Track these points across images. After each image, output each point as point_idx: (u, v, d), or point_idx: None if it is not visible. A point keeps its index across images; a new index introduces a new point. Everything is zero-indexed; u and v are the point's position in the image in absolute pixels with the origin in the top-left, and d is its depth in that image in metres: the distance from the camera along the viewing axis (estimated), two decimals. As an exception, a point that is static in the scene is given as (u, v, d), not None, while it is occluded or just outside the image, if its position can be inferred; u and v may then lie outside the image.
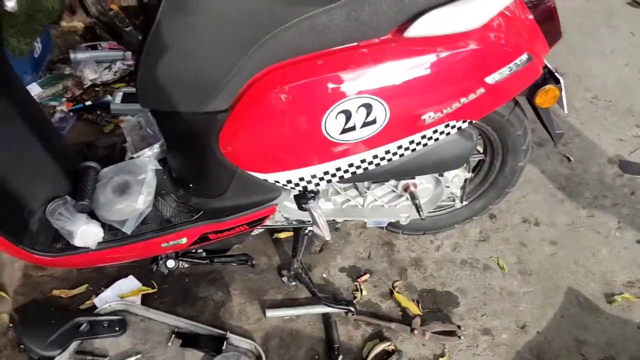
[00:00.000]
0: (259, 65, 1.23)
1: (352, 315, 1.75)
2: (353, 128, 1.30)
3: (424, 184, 1.67)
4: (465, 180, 1.72)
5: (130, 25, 2.64)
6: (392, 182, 1.67)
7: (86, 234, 1.44)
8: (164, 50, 1.21)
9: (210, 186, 1.47)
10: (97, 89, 2.65)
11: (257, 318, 1.75)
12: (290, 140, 1.32)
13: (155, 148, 1.62)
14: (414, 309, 1.78)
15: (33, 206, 1.48)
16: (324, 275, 1.88)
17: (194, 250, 1.67)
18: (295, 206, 1.57)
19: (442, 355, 1.67)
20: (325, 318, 1.74)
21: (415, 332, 1.70)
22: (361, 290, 1.82)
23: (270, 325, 1.73)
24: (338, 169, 1.39)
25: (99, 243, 1.46)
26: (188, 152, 1.46)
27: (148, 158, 1.59)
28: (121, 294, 1.78)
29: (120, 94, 2.49)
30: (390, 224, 1.90)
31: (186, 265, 1.67)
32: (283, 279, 1.83)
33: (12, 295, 1.76)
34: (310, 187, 1.43)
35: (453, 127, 1.41)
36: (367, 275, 1.88)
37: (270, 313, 1.74)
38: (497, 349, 1.71)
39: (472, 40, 1.29)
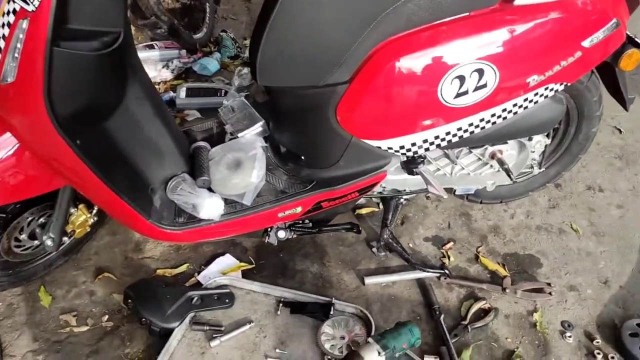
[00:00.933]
0: (379, 37, 1.34)
1: (445, 279, 1.84)
2: (466, 92, 1.41)
3: (509, 151, 1.78)
4: (545, 146, 1.83)
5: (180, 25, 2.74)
6: (478, 150, 1.77)
7: (210, 206, 1.53)
8: (289, 28, 1.31)
9: (323, 157, 1.57)
10: (157, 86, 2.74)
11: (355, 286, 1.84)
12: (407, 106, 1.42)
13: (257, 128, 1.72)
14: (501, 270, 1.88)
15: (155, 184, 1.56)
16: (410, 245, 1.97)
17: (300, 222, 1.76)
18: (395, 176, 1.68)
19: (535, 311, 1.77)
20: (420, 282, 1.84)
21: (507, 291, 1.80)
22: (448, 257, 1.92)
23: (369, 291, 1.82)
24: (447, 133, 1.50)
25: (221, 215, 1.55)
26: (302, 125, 1.55)
27: (253, 136, 1.69)
28: (222, 270, 1.87)
29: (184, 89, 2.57)
30: (469, 194, 2.00)
31: (294, 236, 1.75)
32: (373, 249, 1.92)
33: (119, 276, 1.84)
34: (421, 151, 1.53)
35: (552, 89, 1.52)
36: (451, 243, 1.97)
37: (369, 280, 1.83)
38: (585, 302, 1.81)
39: (571, 6, 1.41)
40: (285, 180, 1.63)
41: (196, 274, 1.86)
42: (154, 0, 2.67)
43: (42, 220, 1.64)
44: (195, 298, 1.73)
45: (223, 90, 2.43)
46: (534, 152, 1.80)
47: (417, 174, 1.57)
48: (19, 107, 1.22)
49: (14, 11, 1.11)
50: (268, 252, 1.93)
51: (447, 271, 1.84)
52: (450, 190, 1.90)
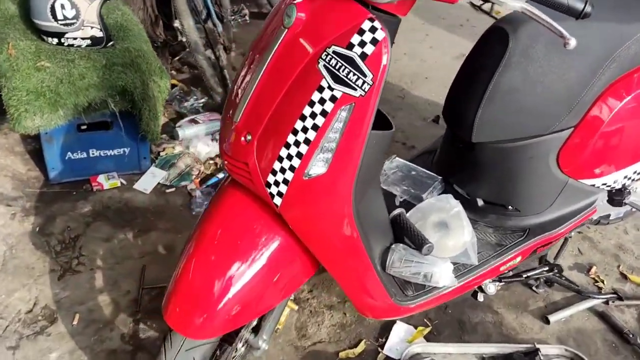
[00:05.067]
0: (606, 80, 1.40)
1: (613, 302, 1.88)
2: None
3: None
4: None
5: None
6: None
7: (446, 272, 1.45)
8: (513, 88, 1.34)
9: (536, 203, 1.56)
10: (211, 161, 2.56)
11: (539, 327, 1.81)
12: (628, 141, 1.48)
13: (438, 187, 1.69)
14: (653, 284, 1.97)
15: (375, 263, 1.45)
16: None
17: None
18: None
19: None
20: (593, 311, 1.86)
21: (672, 302, 1.89)
22: (602, 281, 1.97)
23: (554, 329, 1.80)
24: None
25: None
26: (515, 175, 1.54)
27: (441, 196, 1.64)
28: (407, 339, 1.75)
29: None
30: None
31: (500, 287, 1.70)
32: (533, 288, 1.92)
33: (301, 369, 1.65)
34: (628, 182, 1.59)
35: None
36: (595, 267, 2.03)
37: (553, 318, 1.81)
38: None
39: None
40: (491, 232, 1.59)
41: (379, 348, 1.72)
42: (210, 72, 2.54)
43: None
44: (406, 373, 1.60)
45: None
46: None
47: (624, 204, 1.61)
48: (322, 198, 1.10)
49: (333, 98, 1.01)
50: (435, 312, 1.85)
51: (617, 294, 1.88)
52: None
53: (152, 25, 2.84)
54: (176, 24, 2.56)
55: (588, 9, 1.03)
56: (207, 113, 2.74)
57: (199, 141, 2.55)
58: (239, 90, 1.14)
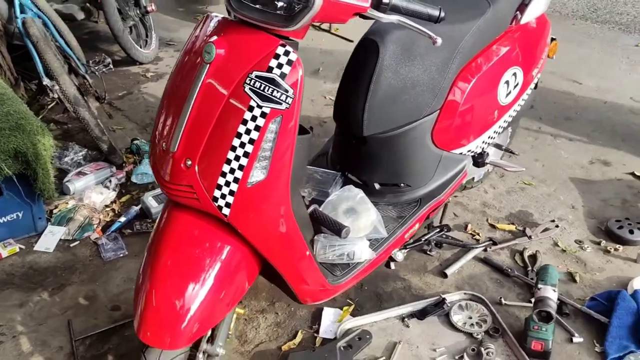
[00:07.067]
0: (456, 69, 1.77)
1: (490, 248, 2.27)
2: (510, 92, 1.91)
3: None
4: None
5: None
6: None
7: (363, 248, 1.69)
8: (389, 86, 1.66)
9: (422, 177, 1.87)
10: (108, 208, 2.59)
11: (440, 281, 2.13)
12: (481, 113, 1.86)
13: (339, 180, 1.94)
14: (514, 228, 2.39)
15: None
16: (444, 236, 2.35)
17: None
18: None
19: (556, 242, 2.32)
20: (478, 257, 2.23)
21: (532, 237, 2.32)
22: (478, 234, 2.36)
23: (452, 280, 2.13)
24: (500, 126, 1.97)
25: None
26: (402, 157, 1.83)
27: (346, 187, 1.88)
28: (336, 319, 1.96)
29: (151, 198, 2.53)
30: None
31: (405, 253, 1.97)
32: (428, 252, 2.24)
33: (252, 369, 1.79)
34: (485, 147, 1.97)
35: (537, 78, 2.13)
36: (470, 225, 2.42)
37: (449, 271, 2.14)
38: (574, 224, 2.43)
39: (540, 18, 2.05)
40: (391, 209, 1.88)
41: (315, 334, 1.92)
42: (94, 122, 2.56)
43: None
44: (344, 346, 1.81)
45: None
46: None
47: (486, 164, 1.98)
48: (264, 201, 1.28)
49: (263, 114, 1.20)
50: (354, 292, 2.08)
51: (492, 240, 2.27)
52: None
53: (13, 88, 2.79)
54: (46, 82, 2.56)
55: (442, 14, 1.35)
56: (92, 163, 2.75)
57: (91, 192, 2.56)
58: (167, 125, 1.28)
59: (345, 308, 2.00)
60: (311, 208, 1.76)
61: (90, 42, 4.34)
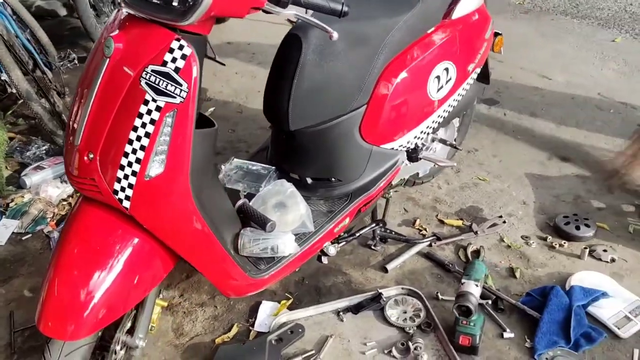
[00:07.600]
0: (382, 63, 1.78)
1: (435, 243, 2.29)
2: (442, 87, 1.92)
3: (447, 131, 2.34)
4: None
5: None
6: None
7: (288, 242, 1.70)
8: (314, 77, 1.67)
9: (353, 171, 1.88)
10: (64, 202, 2.62)
11: (381, 276, 2.14)
12: (410, 108, 1.87)
13: (272, 174, 1.95)
14: (461, 223, 2.41)
15: (228, 248, 1.67)
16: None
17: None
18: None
19: (502, 238, 2.33)
20: (421, 253, 2.25)
21: (478, 233, 2.33)
22: (425, 229, 2.38)
23: (392, 275, 2.15)
24: (434, 121, 1.98)
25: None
26: (331, 151, 1.84)
27: (277, 181, 1.90)
28: (272, 313, 1.99)
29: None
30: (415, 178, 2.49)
31: (339, 248, 1.99)
32: (372, 247, 2.26)
33: (184, 362, 1.82)
34: (419, 142, 1.98)
35: (476, 73, 2.13)
36: (418, 220, 2.43)
37: (390, 266, 2.16)
38: (523, 220, 2.44)
39: (479, 14, 2.05)
40: (322, 203, 1.89)
41: (250, 327, 1.94)
42: (47, 117, 2.59)
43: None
44: (275, 340, 1.84)
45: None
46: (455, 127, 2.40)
47: (420, 159, 1.99)
48: (165, 194, 1.29)
49: (158, 108, 1.22)
50: (294, 286, 2.11)
51: (436, 236, 2.29)
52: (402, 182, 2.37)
53: (-24, 83, 2.82)
54: (3, 77, 2.59)
55: (345, 8, 1.36)
56: (52, 158, 2.79)
57: (48, 185, 2.59)
58: (76, 119, 1.31)
59: (283, 302, 2.02)
60: (240, 202, 1.78)
61: (70, 38, 4.36)
